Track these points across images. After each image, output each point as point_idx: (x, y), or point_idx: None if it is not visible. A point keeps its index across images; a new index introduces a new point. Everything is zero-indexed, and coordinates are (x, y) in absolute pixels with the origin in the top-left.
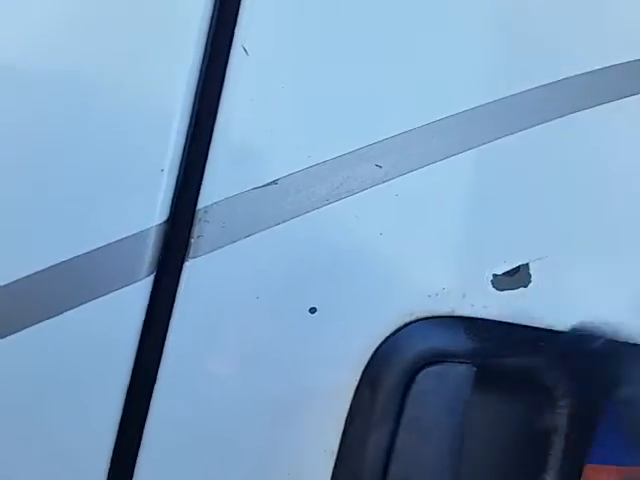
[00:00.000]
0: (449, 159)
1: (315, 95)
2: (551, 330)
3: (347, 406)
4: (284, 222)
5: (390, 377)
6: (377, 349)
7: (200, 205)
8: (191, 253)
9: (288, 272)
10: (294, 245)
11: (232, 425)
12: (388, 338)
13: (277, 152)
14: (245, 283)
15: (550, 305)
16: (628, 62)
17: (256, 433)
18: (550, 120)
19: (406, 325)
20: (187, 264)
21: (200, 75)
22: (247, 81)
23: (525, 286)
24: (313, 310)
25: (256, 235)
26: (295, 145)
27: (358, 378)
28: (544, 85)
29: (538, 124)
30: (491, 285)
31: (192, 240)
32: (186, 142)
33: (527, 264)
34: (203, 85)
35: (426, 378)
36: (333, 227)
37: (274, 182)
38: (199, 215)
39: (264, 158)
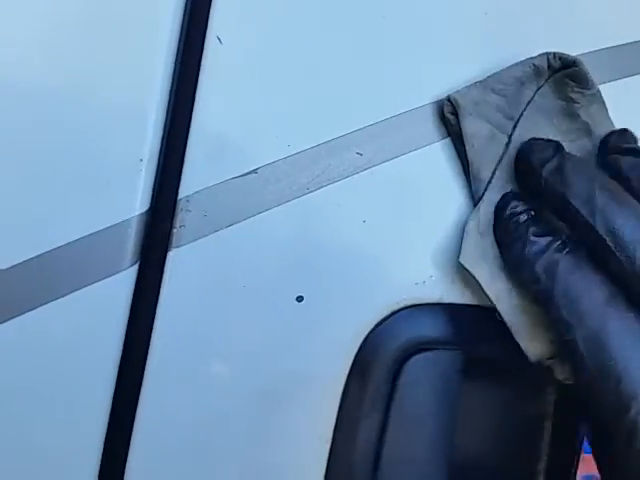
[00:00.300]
0: (433, 145)
1: (294, 83)
2: None
3: (339, 394)
4: (266, 211)
5: (379, 365)
6: (366, 337)
7: (181, 195)
8: (174, 242)
9: (273, 261)
10: (278, 234)
11: (224, 416)
12: (377, 326)
13: (256, 141)
14: (230, 272)
15: None
16: None
17: (249, 424)
18: None
19: (394, 313)
20: (171, 254)
21: (175, 65)
22: (223, 71)
23: None
24: (300, 298)
25: (239, 224)
26: (274, 134)
27: (349, 366)
28: None
29: None
30: None
31: (175, 230)
32: (164, 131)
33: None
34: (179, 75)
35: (415, 366)
36: (316, 215)
37: (254, 171)
38: (181, 205)
39: (243, 147)
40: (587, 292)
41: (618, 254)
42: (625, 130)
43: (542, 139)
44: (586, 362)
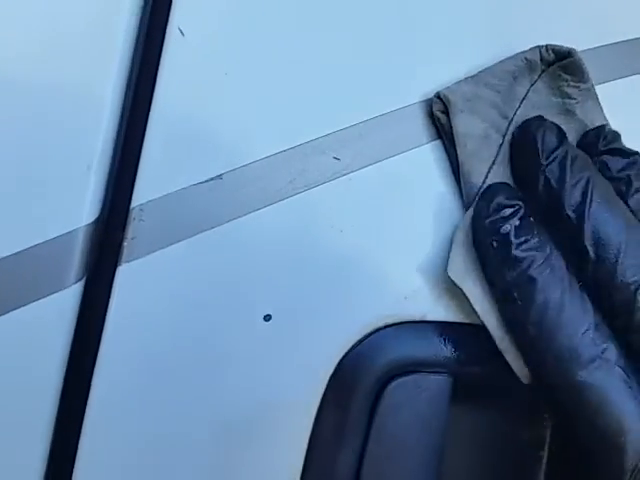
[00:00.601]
0: (418, 148)
1: (263, 82)
2: None
3: (310, 423)
4: (232, 220)
5: (356, 390)
6: (342, 359)
7: (134, 203)
8: (125, 256)
9: (237, 276)
10: (244, 246)
11: (179, 447)
12: (354, 347)
13: (222, 144)
14: (188, 289)
15: None
16: None
17: (209, 456)
18: None
19: (373, 332)
20: (121, 268)
21: (133, 59)
22: (185, 67)
23: None
24: (268, 317)
25: (199, 235)
26: (242, 136)
27: (322, 391)
28: None
29: None
30: None
31: (126, 242)
32: (118, 134)
33: None
34: (136, 71)
35: (396, 390)
36: (288, 225)
37: (219, 177)
38: (133, 214)
39: (207, 150)
40: (565, 327)
41: (598, 266)
42: (605, 127)
43: (548, 121)
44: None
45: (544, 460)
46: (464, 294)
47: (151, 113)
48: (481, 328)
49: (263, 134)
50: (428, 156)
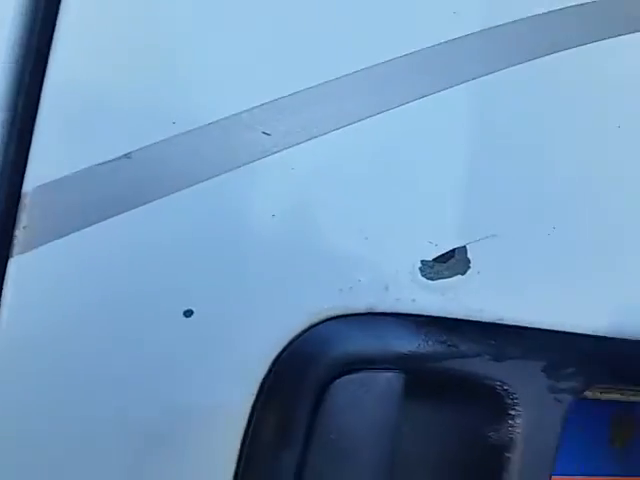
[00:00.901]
0: (361, 122)
1: (179, 48)
2: (500, 325)
3: (242, 427)
4: (142, 205)
5: (295, 390)
6: (278, 357)
7: (26, 188)
8: (17, 247)
9: (150, 268)
10: (157, 234)
11: (88, 451)
12: (291, 343)
13: (130, 118)
14: (92, 282)
15: (497, 295)
16: None
17: (121, 460)
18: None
19: (313, 326)
20: (12, 260)
21: (24, 26)
22: (85, 32)
23: (462, 273)
24: (189, 313)
25: (105, 222)
26: (154, 109)
27: (255, 393)
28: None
29: (455, 85)
30: (420, 274)
31: (17, 232)
32: (7, 107)
33: (464, 247)
34: (27, 38)
35: (341, 390)
36: (210, 209)
37: (126, 156)
38: (25, 201)
39: (112, 126)
40: None
41: None
42: None
43: None
44: None
45: (511, 462)
46: None
47: (45, 88)
48: (437, 320)
49: (180, 106)
50: (370, 133)
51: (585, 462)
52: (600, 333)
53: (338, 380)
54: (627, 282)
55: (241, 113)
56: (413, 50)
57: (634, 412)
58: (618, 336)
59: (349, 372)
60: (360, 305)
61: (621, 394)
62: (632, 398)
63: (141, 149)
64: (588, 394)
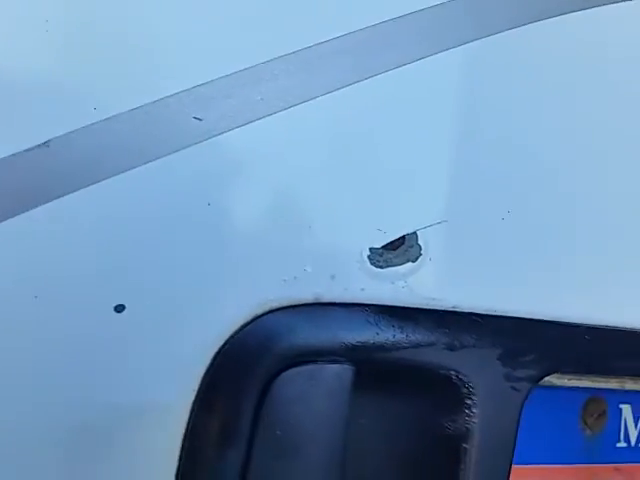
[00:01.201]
0: (300, 105)
1: (100, 29)
2: (454, 312)
3: (182, 426)
4: (63, 196)
5: (238, 385)
6: (219, 351)
7: None
8: None
9: (78, 261)
10: (81, 225)
11: (19, 457)
12: (234, 336)
13: (48, 104)
14: (15, 277)
15: (450, 282)
16: None
17: (54, 467)
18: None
19: (257, 318)
20: None
21: None
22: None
23: (414, 261)
24: (120, 308)
25: (24, 215)
26: (74, 94)
27: (195, 389)
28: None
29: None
30: (369, 262)
31: None
32: None
33: (415, 233)
34: None
35: (286, 384)
36: (139, 200)
37: (45, 144)
38: None
39: (29, 113)
40: None
41: None
42: None
43: None
44: None
45: (468, 453)
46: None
47: None
48: (388, 309)
49: (102, 90)
50: (310, 117)
51: (555, 450)
52: (559, 319)
53: (284, 373)
54: (585, 266)
55: (169, 97)
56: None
57: (605, 399)
58: (577, 322)
59: (295, 365)
60: (306, 295)
61: (591, 381)
62: (603, 385)
63: (60, 137)
64: (556, 381)
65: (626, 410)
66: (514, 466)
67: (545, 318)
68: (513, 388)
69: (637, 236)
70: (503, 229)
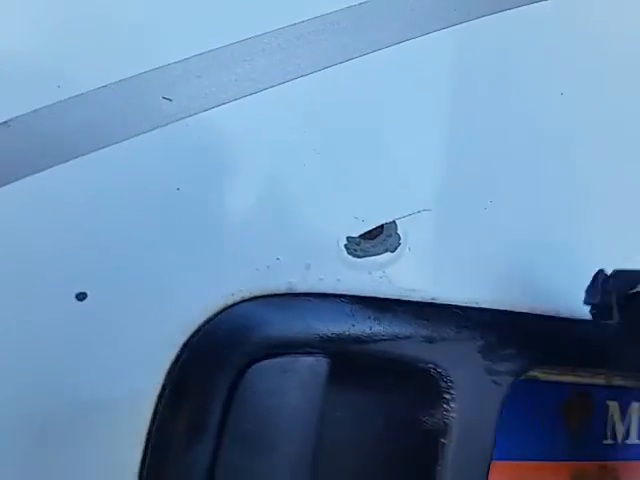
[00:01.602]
0: (275, 88)
1: (64, 2)
2: (433, 304)
3: (147, 421)
4: (23, 178)
5: (207, 379)
6: (187, 342)
7: None
8: None
9: (38, 246)
10: (42, 210)
11: None
12: (202, 327)
13: (8, 82)
14: None
15: (430, 273)
16: None
17: (14, 462)
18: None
19: (227, 308)
20: None
21: None
22: None
23: (392, 250)
24: (82, 296)
25: None
26: (35, 71)
27: (161, 382)
28: None
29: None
30: (345, 251)
31: None
32: None
33: (393, 222)
34: None
35: (258, 376)
36: (103, 183)
37: (5, 124)
38: None
39: None
40: None
41: None
42: None
43: None
44: None
45: (446, 448)
46: None
47: None
48: (365, 300)
49: (67, 67)
50: (284, 99)
51: (539, 447)
52: (541, 312)
53: (255, 366)
54: (568, 258)
55: (136, 76)
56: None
57: (591, 395)
58: (560, 315)
59: (267, 357)
60: (279, 285)
61: (577, 376)
62: (587, 380)
63: (21, 116)
64: (540, 376)
65: (613, 406)
66: (496, 462)
67: (527, 311)
68: (494, 382)
69: (621, 227)
70: (485, 219)
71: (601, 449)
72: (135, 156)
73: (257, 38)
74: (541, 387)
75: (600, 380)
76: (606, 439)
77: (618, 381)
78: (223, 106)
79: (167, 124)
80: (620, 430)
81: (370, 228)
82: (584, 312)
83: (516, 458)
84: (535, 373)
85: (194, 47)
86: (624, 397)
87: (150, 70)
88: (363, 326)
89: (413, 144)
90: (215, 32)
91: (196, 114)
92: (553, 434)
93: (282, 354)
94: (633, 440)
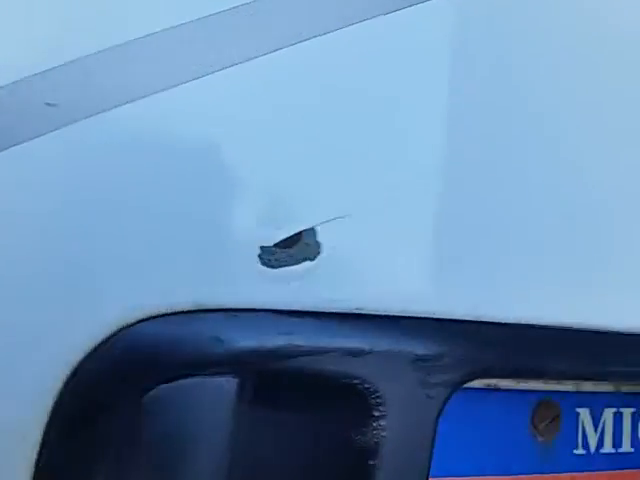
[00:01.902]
0: (163, 93)
1: None
2: (358, 315)
3: (32, 458)
4: None
5: (101, 405)
6: (78, 367)
7: None
8: None
9: None
10: None
11: None
12: (96, 349)
13: None
14: None
15: (354, 282)
16: None
17: None
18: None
19: (125, 328)
20: None
21: None
22: None
23: (312, 259)
24: None
25: None
26: None
27: (48, 410)
28: None
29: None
30: (259, 262)
31: None
32: None
33: (313, 229)
34: None
35: (158, 402)
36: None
37: None
38: None
39: None
40: None
41: None
42: None
43: None
44: None
45: (377, 470)
46: None
47: None
48: (281, 313)
49: None
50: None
51: (504, 459)
52: (481, 319)
53: (156, 390)
54: (504, 260)
55: (15, 83)
56: None
57: (558, 402)
58: (504, 321)
59: (171, 380)
60: (184, 301)
61: (543, 382)
62: (556, 387)
63: None
64: (501, 384)
65: (583, 414)
66: (458, 478)
67: (465, 318)
68: (427, 396)
69: (579, 233)
70: (410, 223)
71: (572, 460)
72: (12, 167)
73: (160, 34)
74: (503, 396)
75: (569, 386)
76: (577, 449)
77: (588, 387)
78: (113, 110)
79: (50, 131)
80: (593, 439)
81: (286, 236)
82: (533, 316)
83: (474, 474)
84: (493, 381)
85: (85, 45)
86: (595, 403)
87: (31, 76)
88: (278, 341)
89: (328, 144)
90: (172, 10)
91: (83, 119)
92: (518, 445)
93: (188, 375)
94: (607, 449)
